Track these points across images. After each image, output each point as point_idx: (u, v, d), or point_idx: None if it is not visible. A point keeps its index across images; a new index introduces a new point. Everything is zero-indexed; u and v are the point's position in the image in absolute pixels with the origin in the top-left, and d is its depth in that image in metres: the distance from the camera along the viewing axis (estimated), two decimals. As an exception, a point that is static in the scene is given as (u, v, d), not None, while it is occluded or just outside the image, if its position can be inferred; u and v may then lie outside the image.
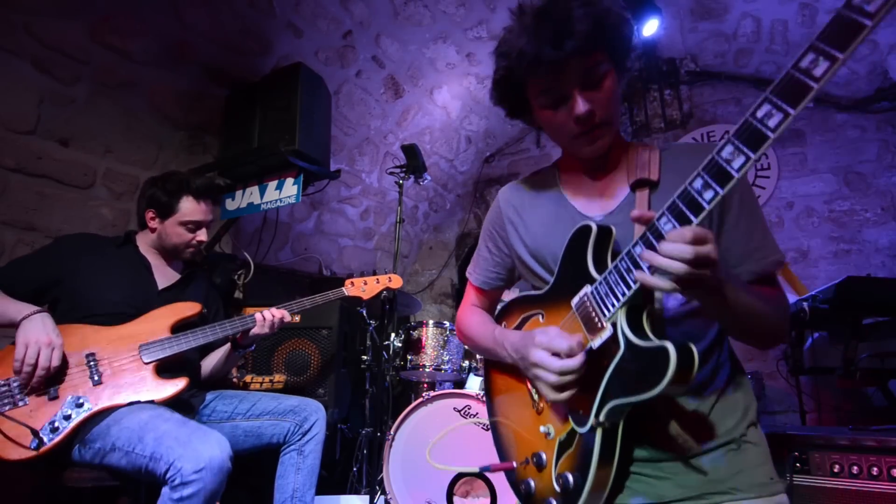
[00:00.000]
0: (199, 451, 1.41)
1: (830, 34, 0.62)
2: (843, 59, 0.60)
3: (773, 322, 0.91)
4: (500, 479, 2.20)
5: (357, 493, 2.60)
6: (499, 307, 1.28)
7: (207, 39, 2.80)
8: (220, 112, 3.00)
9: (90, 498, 1.69)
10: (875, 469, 1.51)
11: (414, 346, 2.74)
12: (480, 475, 2.20)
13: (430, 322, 2.76)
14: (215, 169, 2.96)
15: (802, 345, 2.58)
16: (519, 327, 1.13)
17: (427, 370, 2.69)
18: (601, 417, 0.83)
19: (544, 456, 0.97)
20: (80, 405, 1.52)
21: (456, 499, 2.21)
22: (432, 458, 2.32)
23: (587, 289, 0.90)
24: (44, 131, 2.44)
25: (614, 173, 1.06)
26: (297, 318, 2.59)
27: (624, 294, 0.81)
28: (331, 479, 2.75)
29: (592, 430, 0.85)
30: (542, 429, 0.99)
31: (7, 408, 1.47)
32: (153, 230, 1.89)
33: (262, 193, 2.87)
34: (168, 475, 1.39)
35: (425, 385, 2.97)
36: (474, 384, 2.60)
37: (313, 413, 1.92)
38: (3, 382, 1.50)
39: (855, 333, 2.26)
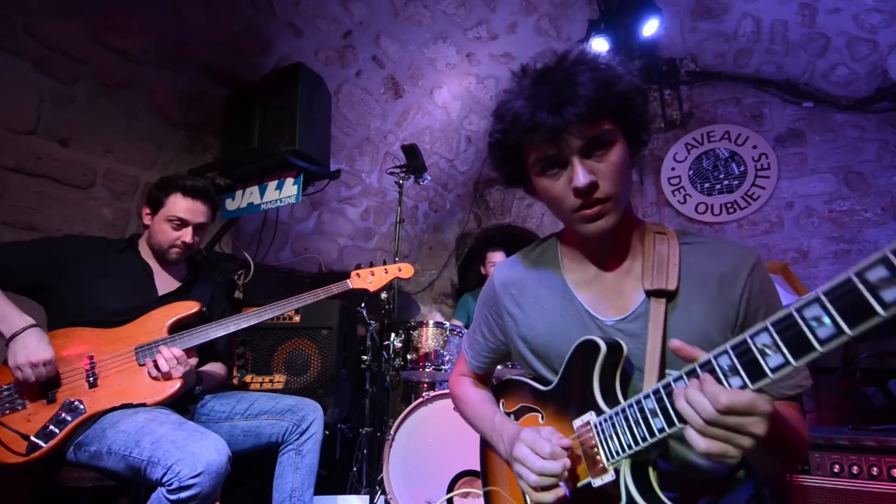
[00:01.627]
0: (196, 455, 1.40)
1: (842, 300, 0.54)
2: (851, 336, 0.54)
3: (798, 451, 0.83)
4: (500, 479, 2.20)
5: (357, 493, 2.60)
6: (495, 381, 1.24)
7: (207, 39, 2.80)
8: (220, 112, 3.00)
9: (90, 498, 1.69)
10: (875, 469, 1.51)
11: (414, 346, 2.74)
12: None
13: (430, 322, 2.76)
14: (215, 169, 2.96)
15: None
16: (516, 415, 1.08)
17: (427, 370, 2.69)
18: None
19: None
20: (75, 409, 1.52)
21: (456, 499, 2.21)
22: (431, 457, 2.32)
23: (592, 417, 0.85)
24: (44, 131, 2.44)
25: (627, 265, 0.96)
26: (298, 318, 2.59)
27: (633, 444, 0.76)
28: (331, 479, 2.75)
29: None
30: None
31: (5, 412, 1.48)
32: (146, 227, 1.88)
33: (262, 193, 2.87)
34: (165, 479, 1.38)
35: (425, 385, 2.97)
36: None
37: (311, 412, 1.91)
38: (3, 388, 1.51)
39: (855, 333, 2.25)
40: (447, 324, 2.78)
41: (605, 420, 0.82)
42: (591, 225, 0.88)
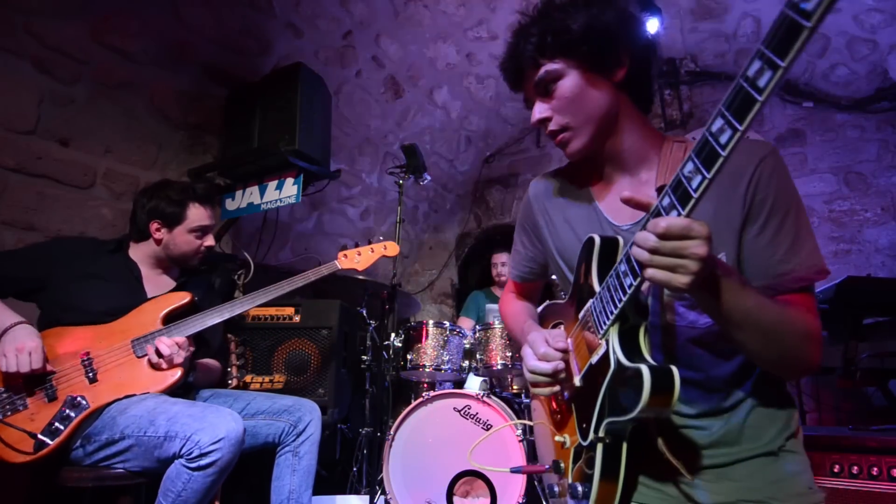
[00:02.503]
0: (216, 424, 1.45)
1: (773, 38, 0.56)
2: (786, 67, 0.55)
3: (788, 342, 0.82)
4: (499, 480, 2.20)
5: (357, 493, 2.60)
6: (538, 309, 1.30)
7: (207, 39, 2.80)
8: (220, 112, 3.00)
9: (90, 498, 1.70)
10: (875, 469, 1.51)
11: (414, 346, 2.74)
12: (482, 476, 2.20)
13: (430, 322, 2.76)
14: (215, 169, 2.96)
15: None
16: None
17: (427, 370, 2.69)
18: (600, 433, 0.83)
19: (562, 464, 0.99)
20: (78, 405, 1.52)
21: (456, 499, 2.21)
22: (431, 457, 2.32)
23: (590, 302, 0.89)
24: (44, 131, 2.44)
25: (645, 174, 1.00)
26: (298, 318, 2.59)
27: (612, 310, 0.79)
28: (331, 479, 2.75)
29: (593, 444, 0.86)
30: (558, 438, 1.00)
31: (7, 413, 1.48)
32: (159, 241, 1.84)
33: (262, 193, 2.87)
34: (184, 449, 1.42)
35: (425, 385, 2.97)
36: (474, 384, 2.60)
37: (308, 413, 1.90)
38: (3, 389, 1.51)
39: (855, 333, 2.26)
40: (447, 324, 2.78)
41: (597, 299, 0.86)
42: (564, 150, 1.00)
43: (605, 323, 0.82)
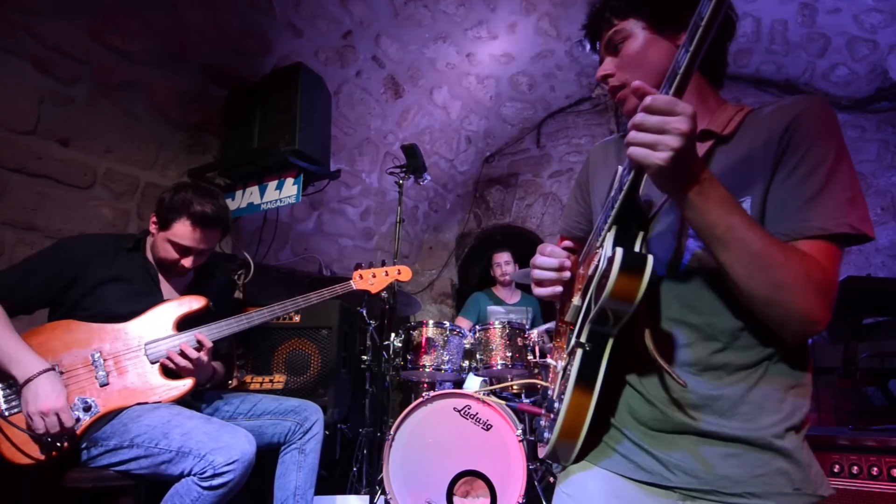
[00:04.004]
0: (231, 445, 1.46)
1: None
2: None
3: (780, 276, 0.74)
4: (499, 480, 2.20)
5: (357, 493, 2.60)
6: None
7: (207, 39, 2.80)
8: (220, 112, 3.00)
9: (90, 498, 1.69)
10: (875, 469, 1.51)
11: (414, 346, 2.74)
12: (482, 476, 2.20)
13: (430, 322, 2.76)
14: (215, 169, 2.96)
15: (802, 345, 2.58)
16: None
17: (427, 370, 2.69)
18: (582, 337, 0.83)
19: (556, 404, 0.93)
20: (89, 408, 1.51)
21: (456, 499, 2.21)
22: (431, 457, 2.32)
23: (596, 221, 0.96)
24: (44, 131, 2.44)
25: (698, 134, 0.95)
26: (298, 318, 2.59)
27: (610, 212, 0.82)
28: (331, 478, 2.75)
29: (573, 351, 0.85)
30: (559, 365, 1.00)
31: (15, 410, 1.45)
32: (153, 235, 1.80)
33: (262, 193, 2.87)
34: (197, 468, 1.42)
35: (425, 385, 2.97)
36: (474, 384, 2.60)
37: (313, 413, 1.95)
38: (11, 384, 1.49)
39: (855, 333, 2.26)
40: (447, 324, 2.78)
41: (602, 215, 0.90)
42: (622, 106, 0.99)
43: (603, 229, 0.83)
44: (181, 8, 2.63)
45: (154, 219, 1.78)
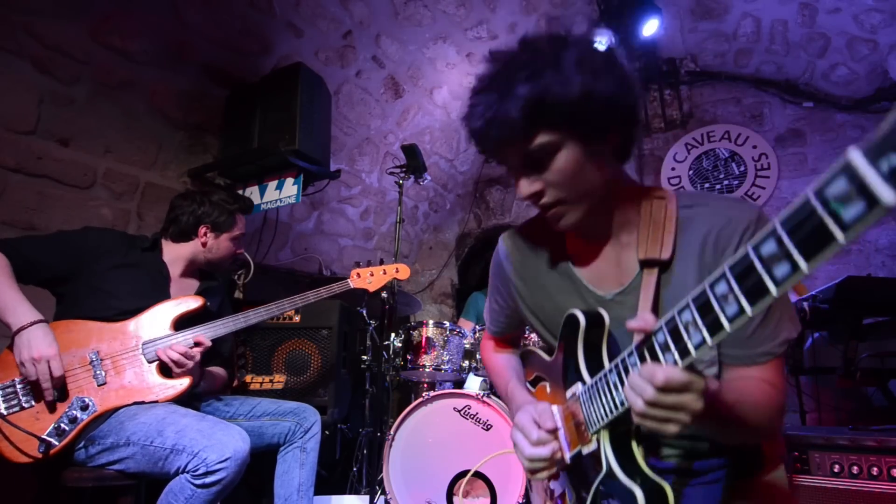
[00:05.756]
0: (224, 443, 1.46)
1: (797, 229, 0.47)
2: (807, 271, 0.46)
3: (754, 429, 0.83)
4: (499, 480, 2.20)
5: (357, 493, 2.60)
6: (520, 348, 1.28)
7: (207, 39, 2.80)
8: (220, 112, 3.00)
9: (90, 498, 1.69)
10: (875, 469, 1.51)
11: (414, 346, 2.74)
12: (482, 476, 2.20)
13: (430, 322, 2.76)
14: (215, 169, 2.96)
15: (802, 345, 2.58)
16: (533, 383, 1.14)
17: (427, 370, 2.69)
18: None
19: None
20: (86, 407, 1.52)
21: (456, 499, 2.21)
22: (431, 457, 2.32)
23: (579, 388, 0.87)
24: (44, 131, 2.44)
25: (625, 237, 0.94)
26: (298, 318, 2.59)
27: (605, 416, 0.78)
28: (331, 478, 2.75)
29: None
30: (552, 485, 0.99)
31: (14, 410, 1.46)
32: (204, 244, 1.92)
33: (262, 193, 2.87)
34: (191, 465, 1.43)
35: (425, 385, 2.97)
36: (474, 384, 2.60)
37: (312, 414, 1.98)
38: (8, 384, 1.49)
39: (855, 333, 2.26)
40: (447, 324, 2.78)
41: (586, 391, 0.84)
42: (555, 224, 0.90)
43: (595, 422, 0.81)
44: (181, 8, 2.63)
45: (205, 229, 1.92)
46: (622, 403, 0.74)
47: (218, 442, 1.46)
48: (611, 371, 0.77)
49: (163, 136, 2.89)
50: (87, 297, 1.67)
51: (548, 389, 1.04)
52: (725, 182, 4.16)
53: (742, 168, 4.10)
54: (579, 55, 0.81)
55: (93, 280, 1.69)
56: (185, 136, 2.98)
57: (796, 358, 2.53)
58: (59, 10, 2.32)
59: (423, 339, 2.71)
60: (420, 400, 2.42)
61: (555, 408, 0.93)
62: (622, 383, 0.74)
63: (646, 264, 0.89)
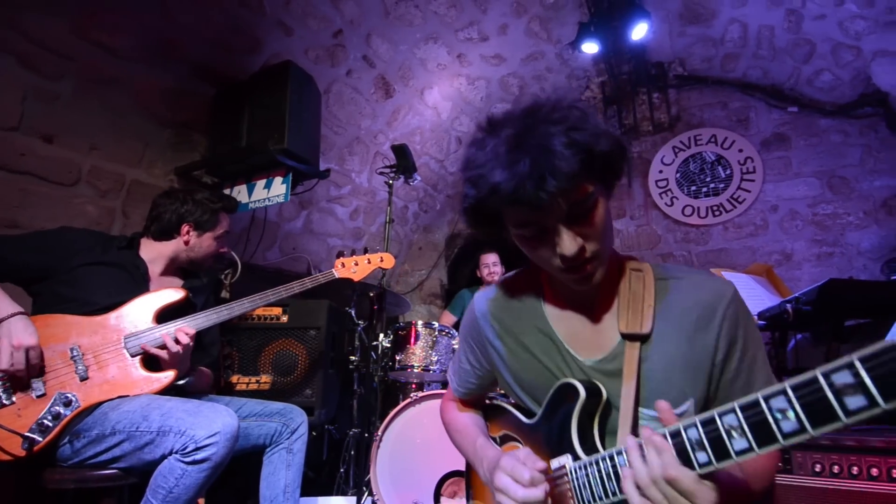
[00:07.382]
0: (211, 419, 1.45)
1: (811, 406, 0.56)
2: (813, 436, 0.56)
3: (763, 490, 0.88)
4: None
5: (344, 494, 2.59)
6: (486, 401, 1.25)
7: (195, 36, 2.77)
8: (207, 110, 2.97)
9: (72, 500, 1.67)
10: (875, 469, 1.52)
11: (402, 346, 2.73)
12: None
13: (419, 322, 2.75)
14: (202, 167, 2.93)
15: (786, 346, 2.61)
16: (500, 441, 1.10)
17: (415, 371, 2.68)
18: None
19: None
20: (69, 403, 1.49)
21: (443, 499, 2.21)
22: (418, 458, 2.32)
23: (568, 462, 0.87)
24: (27, 127, 2.40)
25: (606, 304, 0.96)
26: (286, 318, 2.58)
27: (596, 501, 0.79)
28: (318, 480, 2.73)
29: None
30: None
31: None
32: (186, 242, 1.90)
33: (250, 192, 2.85)
34: (179, 444, 1.41)
35: (413, 386, 2.96)
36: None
37: (299, 415, 1.97)
38: None
39: (837, 335, 2.29)
40: (436, 324, 2.78)
41: (580, 468, 0.84)
42: (582, 284, 0.88)
43: (587, 502, 0.81)
44: (169, 4, 2.60)
45: (188, 227, 1.90)
46: (612, 493, 0.77)
47: (205, 418, 1.44)
48: (603, 459, 0.79)
49: (149, 133, 2.85)
50: (62, 294, 1.65)
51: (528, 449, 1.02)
52: (712, 185, 4.21)
53: (728, 171, 4.15)
54: (589, 111, 0.85)
55: (68, 278, 1.67)
56: (172, 133, 2.95)
57: (780, 359, 2.56)
58: (44, 6, 2.29)
59: (412, 340, 2.71)
60: (408, 400, 2.42)
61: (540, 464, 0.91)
62: (615, 475, 0.77)
63: (627, 337, 0.91)
